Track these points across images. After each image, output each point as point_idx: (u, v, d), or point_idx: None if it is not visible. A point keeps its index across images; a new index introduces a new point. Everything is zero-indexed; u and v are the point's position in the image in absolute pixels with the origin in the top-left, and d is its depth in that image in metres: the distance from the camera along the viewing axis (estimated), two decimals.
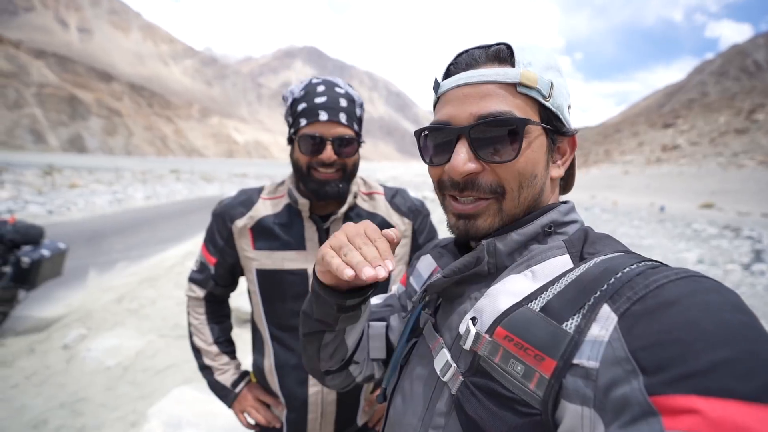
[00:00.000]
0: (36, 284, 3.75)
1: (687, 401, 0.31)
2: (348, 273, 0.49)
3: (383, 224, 1.13)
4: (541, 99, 0.52)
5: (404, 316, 0.72)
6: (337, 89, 1.04)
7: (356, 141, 1.05)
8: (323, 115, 0.99)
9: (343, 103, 1.03)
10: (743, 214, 18.20)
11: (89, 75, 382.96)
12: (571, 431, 0.38)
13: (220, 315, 1.24)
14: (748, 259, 8.35)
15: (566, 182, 0.65)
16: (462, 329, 0.50)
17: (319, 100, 1.01)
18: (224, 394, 1.19)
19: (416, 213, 1.19)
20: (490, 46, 0.55)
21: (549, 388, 0.40)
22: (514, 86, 0.51)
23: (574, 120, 0.59)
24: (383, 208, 1.16)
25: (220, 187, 26.64)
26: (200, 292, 1.21)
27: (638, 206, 21.51)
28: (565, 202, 0.59)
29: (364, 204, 1.15)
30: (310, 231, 1.09)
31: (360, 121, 1.09)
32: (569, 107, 0.57)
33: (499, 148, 0.51)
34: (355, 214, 1.12)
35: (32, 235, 3.80)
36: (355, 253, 0.51)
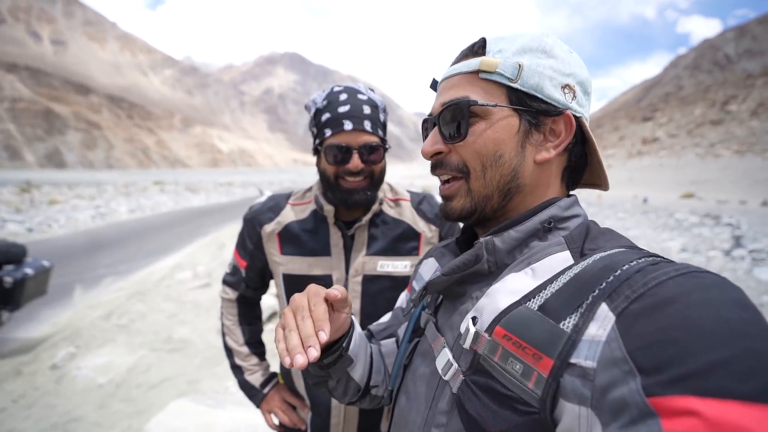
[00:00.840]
0: (20, 304, 3.63)
1: (685, 402, 0.30)
2: (287, 362, 0.49)
3: (408, 231, 1.12)
4: (506, 81, 0.53)
5: (404, 314, 0.73)
6: (360, 96, 1.03)
7: (382, 147, 1.04)
8: (348, 125, 0.99)
9: (367, 110, 1.02)
10: (722, 202, 18.78)
11: (65, 88, 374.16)
12: (568, 430, 0.38)
13: (251, 317, 1.27)
14: (729, 245, 8.62)
15: (590, 171, 0.61)
16: (463, 329, 0.50)
17: (342, 109, 1.00)
18: (253, 393, 1.21)
19: (443, 219, 1.20)
20: (474, 43, 0.58)
21: (547, 386, 0.40)
22: (476, 74, 0.55)
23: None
24: (409, 214, 1.14)
25: (206, 197, 26.29)
26: (233, 294, 1.24)
27: (622, 199, 22.01)
28: (568, 196, 0.58)
29: (390, 210, 1.14)
30: (335, 237, 1.09)
31: (384, 126, 1.08)
32: (567, 87, 0.54)
33: (454, 130, 0.56)
34: (380, 221, 1.11)
35: (14, 254, 3.69)
36: (294, 334, 0.51)
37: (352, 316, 0.71)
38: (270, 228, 1.12)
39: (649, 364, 0.33)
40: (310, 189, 1.18)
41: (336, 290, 0.57)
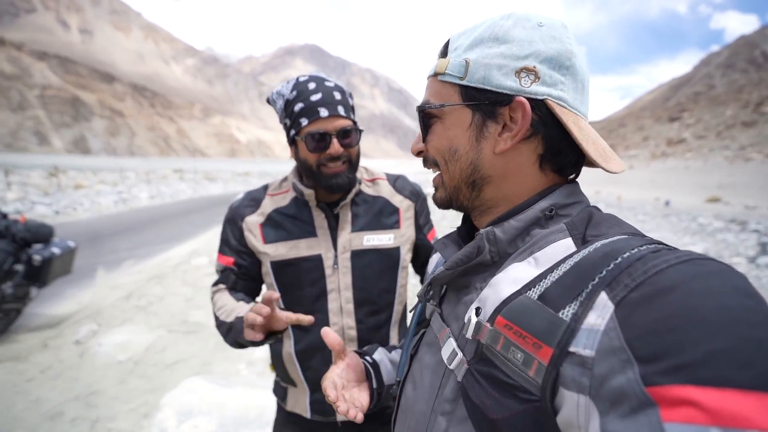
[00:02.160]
0: (47, 282, 3.82)
1: (684, 391, 0.30)
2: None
3: (387, 206, 1.20)
4: (456, 80, 0.54)
5: (410, 310, 0.75)
6: (327, 83, 1.06)
7: (356, 130, 1.09)
8: (323, 111, 1.02)
9: (338, 96, 1.06)
10: (750, 207, 18.06)
11: (91, 76, 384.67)
12: (568, 418, 0.39)
13: (244, 297, 1.16)
14: (755, 252, 8.32)
15: (555, 155, 0.54)
16: (467, 319, 0.51)
17: (314, 97, 1.03)
18: (237, 327, 0.98)
19: (417, 195, 1.27)
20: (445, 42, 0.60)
21: (547, 375, 0.40)
22: (436, 76, 0.58)
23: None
24: (386, 191, 1.22)
25: (223, 186, 26.77)
26: (223, 287, 1.19)
27: (643, 201, 21.41)
28: (571, 184, 0.56)
29: (367, 189, 1.20)
30: (320, 219, 1.12)
31: (353, 110, 1.12)
32: (524, 70, 0.51)
33: (423, 131, 0.61)
34: (360, 200, 1.17)
35: (43, 234, 3.87)
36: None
37: (367, 363, 0.75)
38: (252, 219, 1.13)
39: (647, 353, 0.33)
40: (285, 179, 1.20)
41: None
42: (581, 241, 0.48)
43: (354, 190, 1.14)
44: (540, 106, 0.51)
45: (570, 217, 0.52)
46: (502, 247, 0.53)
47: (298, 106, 1.04)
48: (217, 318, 1.09)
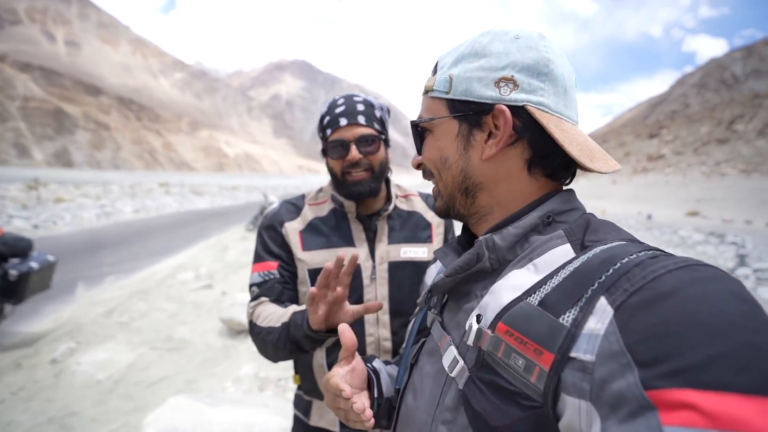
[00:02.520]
0: (24, 297, 3.67)
1: (683, 395, 0.30)
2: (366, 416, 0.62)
3: (421, 221, 1.23)
4: (443, 95, 0.58)
5: (410, 318, 0.74)
6: (355, 98, 1.13)
7: (379, 139, 1.12)
8: (343, 121, 1.08)
9: (361, 107, 1.11)
10: (727, 221, 18.66)
11: (76, 88, 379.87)
12: (570, 424, 0.39)
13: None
14: (733, 264, 8.56)
15: (544, 159, 0.55)
16: (468, 327, 0.51)
17: (339, 110, 1.10)
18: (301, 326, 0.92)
19: None
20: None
21: (548, 381, 0.40)
22: (426, 93, 0.61)
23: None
24: (420, 206, 1.26)
25: (210, 200, 26.45)
26: (266, 300, 1.10)
27: (627, 215, 21.93)
28: (567, 191, 0.58)
29: (402, 205, 1.24)
30: (357, 230, 1.15)
31: (382, 122, 1.15)
32: (502, 80, 0.53)
33: (418, 145, 0.64)
34: (396, 214, 1.21)
35: (20, 248, 3.74)
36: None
37: (369, 370, 0.74)
38: (293, 225, 1.14)
39: (646, 357, 0.33)
40: (321, 190, 1.24)
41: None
42: (580, 247, 0.48)
43: (391, 206, 1.19)
44: (521, 112, 0.52)
45: (567, 224, 0.53)
46: (501, 254, 0.54)
47: (326, 120, 1.12)
48: (262, 329, 0.99)
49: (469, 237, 0.67)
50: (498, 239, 0.54)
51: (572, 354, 0.39)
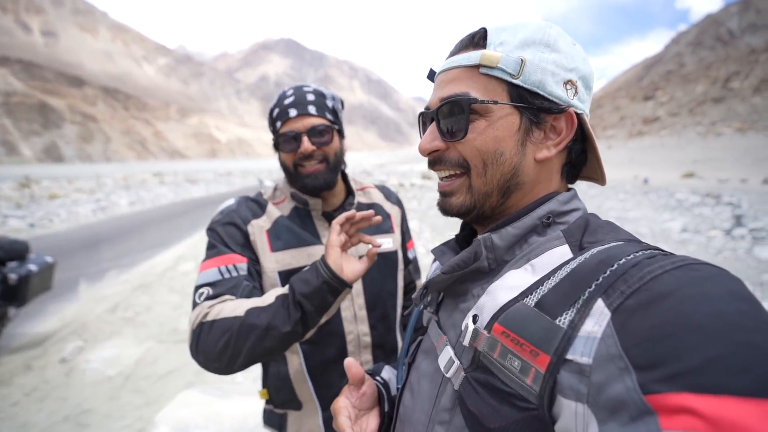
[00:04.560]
0: (26, 300, 3.68)
1: (682, 399, 0.30)
2: None
3: (382, 212, 1.23)
4: (507, 78, 0.51)
5: (405, 314, 0.73)
6: (305, 88, 1.09)
7: (331, 129, 1.08)
8: (293, 112, 1.04)
9: (311, 97, 1.07)
10: (723, 180, 18.70)
11: (59, 80, 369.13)
12: (566, 426, 0.38)
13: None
14: (730, 225, 8.61)
15: (588, 166, 0.60)
16: (464, 327, 0.50)
17: (288, 100, 1.06)
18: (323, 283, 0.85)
19: (400, 203, 1.33)
20: (474, 32, 0.56)
21: (544, 383, 0.40)
22: (477, 68, 0.53)
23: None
24: (378, 197, 1.27)
25: (206, 187, 26.23)
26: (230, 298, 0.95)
27: (623, 180, 21.91)
28: (569, 191, 0.57)
29: (361, 198, 1.24)
30: (323, 228, 1.13)
31: (334, 112, 1.11)
32: (569, 83, 0.53)
33: (455, 127, 0.54)
34: (356, 208, 1.19)
35: (17, 251, 3.71)
36: None
37: (379, 384, 0.71)
38: (259, 223, 1.06)
39: (644, 361, 0.33)
40: (276, 188, 1.17)
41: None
42: (578, 248, 0.48)
43: (356, 199, 1.19)
44: (577, 119, 0.54)
45: (567, 225, 0.53)
46: (499, 254, 0.53)
47: (276, 111, 1.08)
48: (231, 321, 0.82)
49: (467, 236, 0.66)
50: (497, 239, 0.53)
51: (569, 356, 0.38)
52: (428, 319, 0.63)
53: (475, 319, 0.49)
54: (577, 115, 0.53)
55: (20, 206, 14.78)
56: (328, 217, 1.13)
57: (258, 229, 1.06)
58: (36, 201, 16.69)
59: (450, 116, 0.54)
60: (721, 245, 7.07)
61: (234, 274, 0.95)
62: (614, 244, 0.45)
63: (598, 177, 0.60)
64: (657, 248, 0.43)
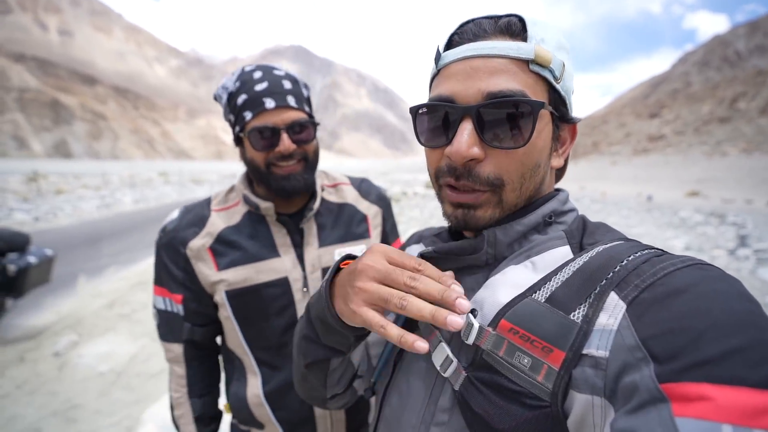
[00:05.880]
0: (23, 292, 3.69)
1: (699, 389, 0.31)
2: (420, 346, 0.44)
3: (355, 213, 1.08)
4: (552, 80, 0.48)
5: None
6: (276, 72, 0.93)
7: (312, 124, 0.94)
8: (270, 103, 0.89)
9: (288, 84, 0.92)
10: (728, 201, 18.58)
11: (72, 78, 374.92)
12: (581, 420, 0.38)
13: (206, 383, 1.02)
14: (734, 245, 8.53)
15: (560, 170, 0.61)
16: (466, 323, 0.47)
17: (260, 87, 0.89)
18: None
19: (383, 200, 1.15)
20: (500, 17, 0.49)
21: (558, 379, 0.39)
22: (526, 63, 0.46)
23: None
24: (352, 196, 1.10)
25: (210, 188, 26.35)
26: (177, 348, 0.98)
27: (626, 196, 21.82)
28: (561, 191, 0.58)
29: (331, 197, 1.08)
30: (281, 235, 0.98)
31: (309, 102, 0.99)
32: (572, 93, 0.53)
33: (507, 133, 0.46)
34: (324, 209, 1.05)
35: (18, 243, 3.74)
36: (414, 299, 0.44)
37: None
38: (198, 243, 0.94)
39: (662, 352, 0.33)
40: (231, 189, 1.04)
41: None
42: (578, 249, 0.48)
43: (318, 200, 1.01)
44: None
45: (566, 224, 0.53)
46: (499, 249, 0.52)
47: (242, 98, 0.90)
48: (174, 421, 1.02)
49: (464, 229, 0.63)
50: (501, 234, 0.51)
51: (585, 351, 0.38)
52: None
53: (474, 313, 0.47)
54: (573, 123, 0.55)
55: (26, 200, 14.91)
56: (286, 222, 0.98)
57: (197, 251, 0.94)
58: (42, 195, 16.83)
59: (502, 117, 0.46)
60: (725, 265, 7.00)
61: (172, 309, 0.97)
62: (617, 243, 0.45)
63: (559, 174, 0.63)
64: (659, 248, 0.44)
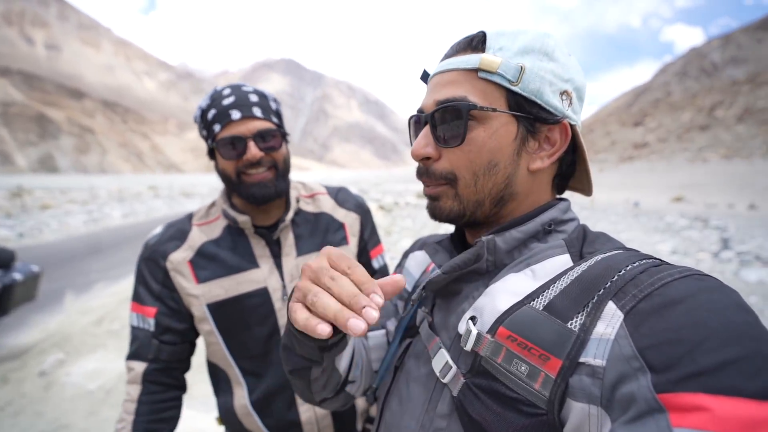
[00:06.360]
0: (8, 310, 3.61)
1: (696, 399, 0.31)
2: (322, 330, 0.41)
3: (332, 222, 1.10)
4: (506, 84, 0.50)
5: (400, 316, 0.70)
6: (244, 88, 0.98)
7: (279, 133, 0.98)
8: (236, 114, 0.93)
9: (254, 98, 0.97)
10: (710, 205, 19.03)
11: (59, 92, 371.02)
12: (577, 429, 0.38)
13: (156, 418, 0.95)
14: (717, 248, 8.73)
15: (563, 176, 0.59)
16: (461, 329, 0.49)
17: (227, 101, 0.95)
18: None
19: (361, 207, 1.18)
20: (473, 35, 0.54)
21: (555, 387, 0.39)
22: (475, 72, 0.51)
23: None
24: (328, 205, 1.13)
25: (200, 201, 26.11)
26: (138, 367, 0.95)
27: (614, 202, 22.20)
28: (563, 200, 0.58)
29: (308, 207, 1.11)
30: (259, 247, 1.01)
31: (278, 114, 1.02)
32: (565, 93, 0.52)
33: (451, 134, 0.52)
34: (302, 219, 1.07)
35: (3, 259, 3.67)
36: (325, 296, 0.42)
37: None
38: (179, 257, 0.97)
39: (659, 362, 0.34)
40: (213, 205, 1.08)
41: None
42: (578, 257, 0.49)
43: (292, 210, 1.04)
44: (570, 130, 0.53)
45: (566, 233, 0.54)
46: (499, 256, 0.53)
47: (211, 113, 0.96)
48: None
49: (461, 235, 0.64)
50: (500, 242, 0.52)
51: (582, 359, 0.38)
52: (421, 319, 0.61)
53: (473, 320, 0.48)
54: (571, 126, 0.53)
55: (10, 215, 14.59)
56: (264, 234, 1.01)
57: (177, 263, 0.97)
58: (27, 211, 16.50)
59: (446, 121, 0.52)
60: (710, 267, 7.15)
61: (144, 326, 0.97)
62: (616, 252, 0.45)
63: (585, 188, 0.61)
64: (656, 258, 0.44)
